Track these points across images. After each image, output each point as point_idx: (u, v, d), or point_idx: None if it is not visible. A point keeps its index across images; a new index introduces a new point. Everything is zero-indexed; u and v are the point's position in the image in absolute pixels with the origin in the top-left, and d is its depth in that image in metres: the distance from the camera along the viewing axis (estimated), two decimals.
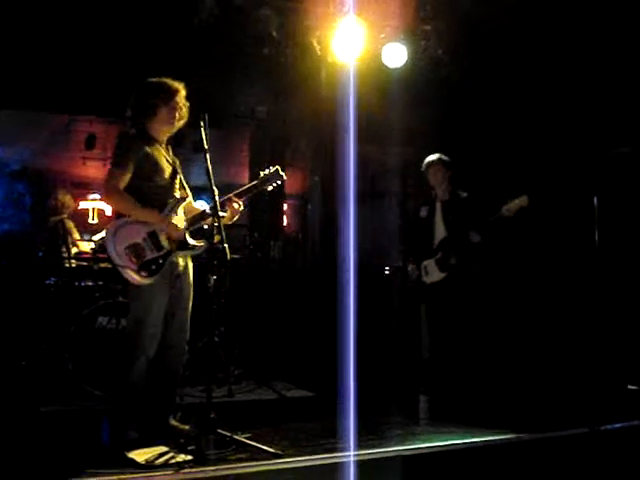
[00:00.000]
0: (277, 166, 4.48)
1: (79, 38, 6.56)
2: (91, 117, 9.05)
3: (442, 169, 6.00)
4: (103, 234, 6.12)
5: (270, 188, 4.47)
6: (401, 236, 7.76)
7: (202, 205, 4.75)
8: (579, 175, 6.52)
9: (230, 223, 4.41)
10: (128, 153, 4.19)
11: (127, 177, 4.17)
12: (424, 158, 6.15)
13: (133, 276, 4.06)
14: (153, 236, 4.16)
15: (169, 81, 4.33)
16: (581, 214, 5.66)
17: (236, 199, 4.33)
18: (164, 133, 4.40)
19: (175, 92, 4.31)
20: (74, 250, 6.55)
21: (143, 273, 4.09)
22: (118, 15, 6.33)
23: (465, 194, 5.97)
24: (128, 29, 6.49)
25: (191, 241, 4.29)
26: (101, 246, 6.24)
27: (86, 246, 6.71)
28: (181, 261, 4.35)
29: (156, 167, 4.26)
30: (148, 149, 4.25)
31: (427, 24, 6.72)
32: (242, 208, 4.39)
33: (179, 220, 4.28)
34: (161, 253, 4.16)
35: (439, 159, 6.02)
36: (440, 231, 5.94)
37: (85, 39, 6.58)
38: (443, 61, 6.97)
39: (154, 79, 4.34)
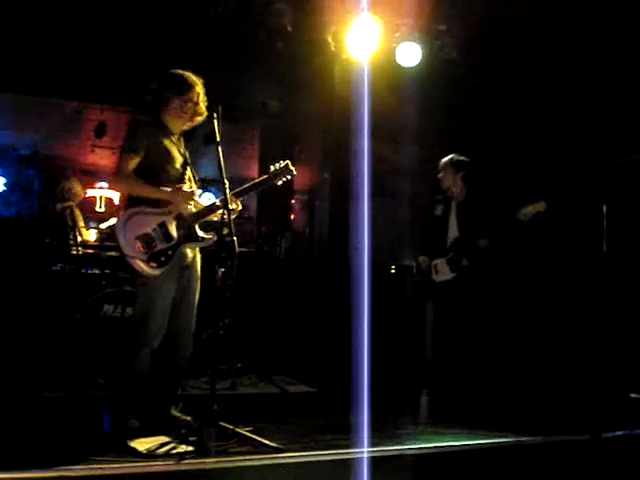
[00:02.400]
0: (287, 161, 4.47)
1: (94, 26, 6.57)
2: (102, 105, 9.07)
3: (451, 171, 5.99)
4: (110, 222, 6.20)
5: (280, 182, 4.45)
6: (410, 235, 7.75)
7: (210, 199, 4.75)
8: (588, 182, 6.50)
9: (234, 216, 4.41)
10: (138, 138, 4.19)
11: (136, 161, 4.16)
12: (435, 157, 6.15)
13: (142, 266, 4.07)
14: (163, 227, 4.16)
15: (188, 75, 4.32)
16: (590, 222, 5.64)
17: (235, 199, 4.30)
18: (177, 125, 4.40)
19: (190, 87, 4.29)
20: (80, 238, 6.56)
21: (152, 264, 4.09)
22: (134, 5, 6.34)
23: (480, 196, 5.94)
24: (143, 19, 6.50)
25: (200, 233, 4.29)
26: (107, 235, 6.26)
27: (91, 234, 6.73)
28: (189, 252, 4.35)
29: (167, 156, 4.26)
30: (161, 137, 4.26)
31: (442, 24, 6.70)
32: (240, 208, 4.38)
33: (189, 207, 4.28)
34: (171, 244, 4.16)
35: (447, 161, 6.01)
36: (453, 231, 5.92)
37: (99, 28, 6.58)
38: (457, 61, 6.95)
39: (177, 70, 4.34)
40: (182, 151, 4.41)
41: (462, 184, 5.98)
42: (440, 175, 6.03)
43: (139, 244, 4.08)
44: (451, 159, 6.00)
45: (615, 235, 5.37)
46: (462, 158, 6.00)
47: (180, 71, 4.34)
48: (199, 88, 4.34)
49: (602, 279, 5.57)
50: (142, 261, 4.06)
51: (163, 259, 4.12)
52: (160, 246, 4.13)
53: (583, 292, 6.30)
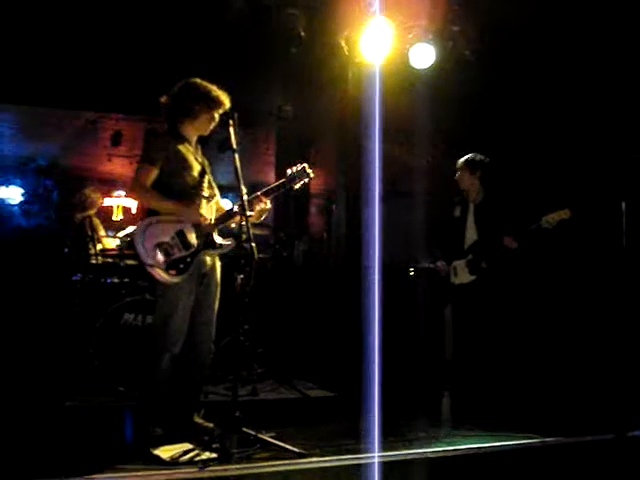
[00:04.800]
0: (304, 164, 4.47)
1: (108, 36, 6.60)
2: (118, 115, 9.12)
3: (467, 172, 5.94)
4: (128, 231, 6.22)
5: (298, 186, 4.46)
6: (426, 236, 7.72)
7: (228, 204, 4.76)
8: (607, 179, 6.45)
9: (257, 222, 4.43)
10: (156, 149, 4.22)
11: (154, 173, 4.19)
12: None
13: (161, 274, 4.08)
14: (181, 235, 4.18)
15: (218, 91, 4.33)
16: (609, 219, 5.60)
17: (263, 198, 4.34)
18: (196, 135, 4.43)
19: (221, 104, 4.32)
20: (99, 247, 6.59)
21: (171, 272, 4.11)
22: (147, 13, 6.37)
23: (499, 198, 5.89)
24: (156, 27, 6.52)
25: (219, 240, 4.31)
26: (127, 243, 6.29)
27: (111, 243, 6.75)
28: (208, 260, 4.36)
29: (185, 164, 4.27)
30: (178, 146, 4.28)
31: (455, 25, 6.68)
32: (269, 207, 4.40)
33: (207, 214, 4.30)
34: (189, 252, 4.18)
35: (463, 162, 5.95)
36: (471, 233, 5.87)
37: (113, 38, 6.62)
38: (470, 63, 6.93)
39: (204, 83, 4.33)
40: (200, 159, 4.42)
41: (479, 185, 5.94)
42: (457, 175, 6.00)
43: (158, 252, 4.10)
44: (467, 159, 5.95)
45: (635, 232, 5.32)
46: (479, 158, 5.94)
47: (206, 83, 4.34)
48: (227, 106, 4.35)
49: (624, 276, 5.52)
50: (161, 269, 4.08)
51: (182, 267, 4.14)
52: (179, 254, 4.15)
53: (604, 291, 6.26)
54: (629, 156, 6.34)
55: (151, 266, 4.07)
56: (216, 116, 4.35)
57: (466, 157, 5.96)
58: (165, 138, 4.28)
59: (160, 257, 4.09)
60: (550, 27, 6.49)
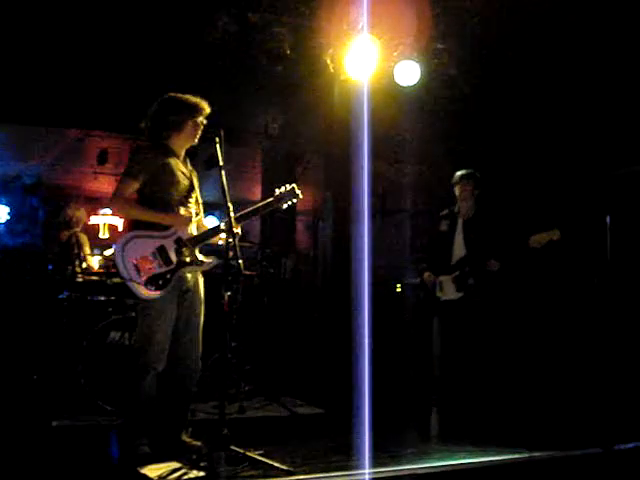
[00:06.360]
0: (293, 184, 4.46)
1: (93, 55, 6.62)
2: (104, 133, 9.11)
3: (472, 185, 5.93)
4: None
5: (285, 206, 4.45)
6: (412, 252, 7.75)
7: (213, 222, 4.75)
8: (591, 194, 6.51)
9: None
10: (139, 163, 4.22)
11: (134, 186, 4.19)
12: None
13: (140, 290, 4.07)
14: (162, 250, 4.17)
15: (196, 98, 4.36)
16: (593, 233, 5.64)
17: (236, 224, 4.27)
18: (183, 147, 4.42)
19: (202, 110, 4.35)
20: (84, 265, 6.56)
21: (150, 287, 4.09)
22: (132, 32, 6.39)
23: (489, 215, 5.91)
24: (142, 46, 6.54)
25: (200, 257, 4.29)
26: (111, 261, 6.26)
27: (94, 261, 6.73)
28: (189, 276, 4.33)
29: (172, 179, 4.26)
30: (165, 160, 4.27)
31: (440, 42, 6.73)
32: (240, 233, 4.35)
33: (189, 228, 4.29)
34: (169, 268, 4.16)
35: (472, 174, 5.94)
36: (459, 248, 5.87)
37: (99, 56, 6.64)
38: (455, 79, 6.98)
39: (179, 95, 4.36)
40: (187, 174, 4.41)
41: (473, 201, 5.96)
42: (458, 188, 5.99)
43: (137, 267, 4.09)
44: (472, 173, 5.95)
45: (619, 246, 5.36)
46: (477, 174, 5.96)
47: (181, 95, 4.36)
48: (207, 111, 4.38)
49: (608, 289, 5.55)
50: (139, 284, 4.07)
51: (161, 282, 4.12)
52: (158, 270, 4.13)
53: (589, 305, 6.29)
54: (611, 173, 6.41)
55: (130, 281, 4.06)
56: (200, 122, 4.35)
57: (467, 171, 5.96)
58: (151, 152, 4.27)
59: (139, 272, 4.08)
60: (535, 46, 6.56)
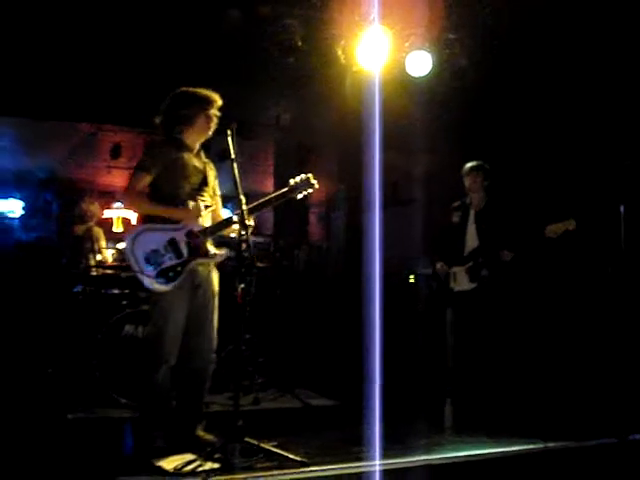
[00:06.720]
0: (309, 174, 4.43)
1: (105, 49, 6.63)
2: (116, 127, 9.14)
3: (482, 176, 5.94)
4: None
5: (300, 196, 4.42)
6: (425, 243, 7.73)
7: (227, 214, 4.76)
8: (606, 183, 6.46)
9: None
10: (152, 157, 4.24)
11: (147, 179, 4.20)
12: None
13: (150, 282, 4.09)
14: (173, 243, 4.17)
15: (207, 91, 4.37)
16: (608, 223, 5.61)
17: (249, 216, 4.26)
18: (197, 140, 4.43)
19: (213, 102, 4.36)
20: (99, 257, 6.60)
21: (160, 280, 4.10)
22: (144, 26, 6.39)
23: (501, 205, 5.89)
24: (154, 40, 6.55)
25: (211, 249, 4.29)
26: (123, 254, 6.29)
27: (108, 254, 6.76)
28: (202, 269, 4.33)
29: (183, 173, 4.28)
30: (178, 154, 4.28)
31: (452, 33, 6.70)
32: (253, 224, 4.32)
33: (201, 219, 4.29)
34: (180, 261, 4.17)
35: (481, 166, 5.95)
36: (472, 239, 5.87)
37: (111, 50, 6.65)
38: (467, 70, 6.94)
39: (190, 88, 4.37)
40: (201, 167, 4.41)
41: (484, 192, 5.96)
42: (468, 180, 5.99)
43: (148, 260, 4.10)
44: (482, 165, 5.95)
45: (633, 235, 5.33)
46: (487, 165, 5.95)
47: (192, 88, 4.37)
48: (219, 103, 4.38)
49: (623, 280, 5.52)
50: (150, 277, 4.08)
51: (172, 275, 4.13)
52: (169, 262, 4.14)
53: (604, 295, 6.26)
54: (625, 162, 6.36)
55: (140, 273, 4.08)
56: (212, 115, 4.36)
57: (479, 163, 5.96)
58: (164, 147, 4.29)
59: (150, 265, 4.10)
60: (547, 36, 6.51)
